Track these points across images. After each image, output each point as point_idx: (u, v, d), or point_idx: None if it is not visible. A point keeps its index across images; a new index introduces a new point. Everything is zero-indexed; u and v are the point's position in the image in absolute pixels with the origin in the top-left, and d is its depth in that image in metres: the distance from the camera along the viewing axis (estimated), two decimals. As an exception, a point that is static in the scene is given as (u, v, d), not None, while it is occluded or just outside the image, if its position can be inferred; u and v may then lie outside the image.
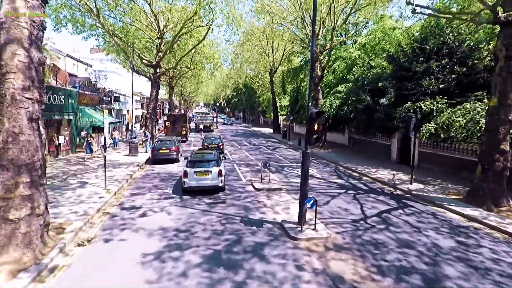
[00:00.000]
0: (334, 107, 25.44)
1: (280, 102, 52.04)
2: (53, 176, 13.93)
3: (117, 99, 29.11)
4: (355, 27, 30.37)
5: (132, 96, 22.06)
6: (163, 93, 78.49)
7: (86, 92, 21.39)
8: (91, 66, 46.93)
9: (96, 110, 23.00)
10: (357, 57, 26.16)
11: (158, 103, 66.65)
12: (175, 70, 29.82)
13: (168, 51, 25.49)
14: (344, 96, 24.75)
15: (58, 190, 11.79)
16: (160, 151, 18.32)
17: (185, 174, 11.75)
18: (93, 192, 11.59)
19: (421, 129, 14.26)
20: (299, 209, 8.75)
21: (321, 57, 25.06)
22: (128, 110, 36.99)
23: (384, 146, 22.04)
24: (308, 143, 8.81)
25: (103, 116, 20.65)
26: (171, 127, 29.32)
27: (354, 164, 19.47)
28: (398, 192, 13.50)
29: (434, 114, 14.26)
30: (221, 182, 11.96)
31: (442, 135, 13.77)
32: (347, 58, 28.26)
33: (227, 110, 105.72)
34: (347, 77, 27.36)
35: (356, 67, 24.45)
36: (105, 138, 12.54)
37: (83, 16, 21.04)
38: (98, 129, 22.28)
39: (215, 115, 77.98)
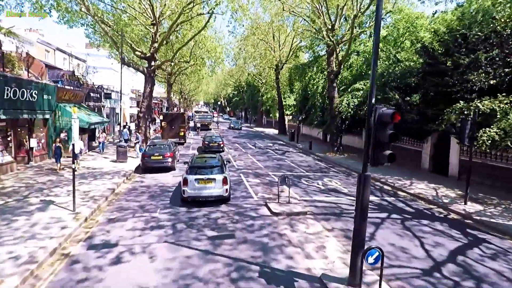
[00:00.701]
0: (352, 106, 22.47)
1: (285, 101, 49.03)
2: (11, 192, 10.91)
3: (108, 96, 26.13)
4: (372, 18, 27.34)
5: (121, 92, 19.06)
6: (162, 91, 75.61)
7: (67, 87, 18.35)
8: (84, 61, 43.82)
9: (80, 108, 19.97)
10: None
11: (156, 102, 63.76)
12: (172, 64, 26.78)
13: (165, 42, 22.49)
14: (365, 94, 21.75)
15: (9, 214, 8.77)
16: (152, 157, 15.31)
17: (185, 182, 10.39)
18: (55, 219, 8.58)
19: (478, 135, 11.33)
20: (351, 259, 5.74)
21: (338, 50, 22.06)
22: (121, 109, 33.96)
23: (412, 152, 19.07)
24: (375, 163, 5.76)
25: (89, 115, 17.62)
26: (168, 127, 26.32)
27: (380, 173, 16.48)
28: (454, 215, 10.50)
29: (497, 116, 11.30)
30: (226, 192, 10.59)
31: (510, 143, 10.79)
32: (364, 52, 25.25)
33: (228, 109, 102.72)
34: (366, 73, 24.36)
35: (378, 61, 21.43)
36: (73, 145, 9.49)
37: (70, 2, 18.07)
38: (85, 130, 19.31)
39: (215, 114, 74.86)
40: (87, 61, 46.50)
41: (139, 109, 22.68)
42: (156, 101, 63.09)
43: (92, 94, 23.29)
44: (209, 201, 10.61)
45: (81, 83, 19.84)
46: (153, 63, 22.05)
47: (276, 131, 46.09)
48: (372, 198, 12.23)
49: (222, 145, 22.93)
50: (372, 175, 15.75)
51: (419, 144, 18.52)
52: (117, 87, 44.77)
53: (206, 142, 23.03)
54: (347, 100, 22.78)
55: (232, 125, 47.57)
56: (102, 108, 26.52)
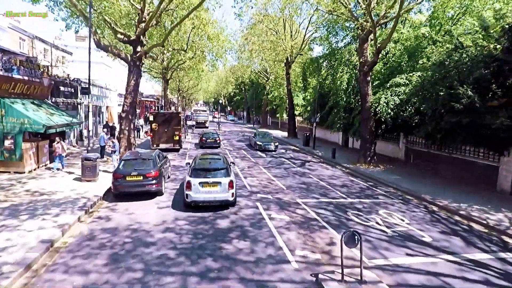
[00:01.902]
0: (391, 106, 17.66)
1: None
2: None
3: (85, 91, 21.20)
4: None
5: (89, 84, 14.16)
6: (160, 88, 70.61)
7: (17, 76, 13.44)
8: (71, 53, 38.96)
9: (41, 106, 15.10)
10: (425, 35, 18.28)
11: (152, 100, 58.78)
12: (165, 53, 21.85)
13: (155, 23, 17.59)
14: (410, 91, 16.94)
15: None
16: (128, 178, 10.43)
17: (189, 185, 9.79)
18: None
19: None
20: None
21: (374, 34, 17.17)
22: (107, 107, 29.07)
23: (482, 168, 14.29)
24: None
25: (51, 115, 12.82)
26: (159, 130, 21.46)
27: (450, 199, 11.73)
28: None
29: None
30: (232, 196, 9.97)
31: None
32: (404, 39, 20.40)
33: (229, 108, 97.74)
34: (407, 64, 19.56)
35: (429, 48, 16.58)
36: None
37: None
38: (43, 136, 14.45)
39: (216, 114, 70.10)
40: (74, 54, 41.78)
41: (122, 107, 17.86)
42: (152, 99, 58.17)
43: (63, 88, 18.41)
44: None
45: (42, 71, 14.91)
46: (139, 48, 17.15)
47: (284, 133, 41.23)
48: (478, 255, 7.39)
49: (218, 141, 24.61)
50: (439, 201, 10.94)
51: (494, 157, 13.74)
52: (110, 82, 40.01)
53: (204, 139, 24.27)
54: (385, 98, 17.96)
55: (259, 143, 24.00)
56: (79, 106, 21.62)
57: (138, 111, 41.25)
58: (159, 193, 11.08)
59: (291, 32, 32.11)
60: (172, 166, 16.51)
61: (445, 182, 14.84)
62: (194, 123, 43.65)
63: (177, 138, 21.77)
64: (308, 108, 41.50)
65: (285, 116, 46.08)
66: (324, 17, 29.57)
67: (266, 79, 49.34)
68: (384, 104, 17.77)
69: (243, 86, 67.13)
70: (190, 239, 7.74)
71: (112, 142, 14.47)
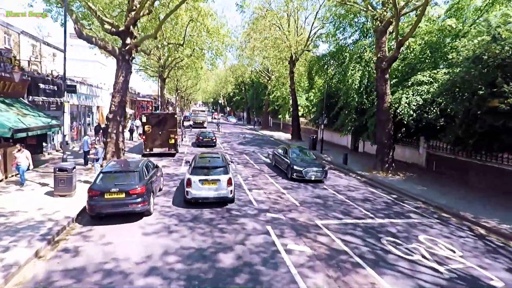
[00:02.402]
0: (413, 107, 15.67)
1: (295, 101, 42.19)
2: None
3: (71, 90, 19.10)
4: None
5: (64, 79, 12.09)
6: (157, 89, 68.35)
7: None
8: (62, 51, 36.84)
9: (12, 106, 13.02)
10: (451, 28, 16.27)
11: (149, 100, 56.59)
12: (160, 47, 19.75)
13: (148, 12, 15.53)
14: (434, 90, 14.94)
15: None
16: (108, 195, 8.35)
17: (189, 182, 9.99)
18: None
19: None
20: None
21: (396, 25, 15.15)
22: (98, 107, 26.96)
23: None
24: None
25: (23, 117, 10.80)
26: (153, 133, 19.37)
27: (496, 219, 9.74)
28: None
29: None
30: (231, 193, 10.19)
31: None
32: (423, 33, 18.39)
33: (228, 109, 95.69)
34: (430, 60, 17.58)
35: (463, 41, 14.52)
36: None
37: None
38: (17, 141, 12.36)
39: (216, 115, 68.28)
40: (67, 52, 39.76)
41: (109, 108, 15.75)
42: (149, 99, 56.02)
43: (43, 86, 16.32)
44: None
45: (13, 65, 12.80)
46: (128, 40, 15.09)
47: (287, 135, 39.21)
48: None
49: (214, 140, 24.95)
50: (485, 222, 8.81)
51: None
52: (106, 81, 37.89)
53: (200, 138, 24.78)
54: (406, 98, 15.95)
55: (298, 168, 14.62)
56: (64, 106, 19.46)
57: (132, 111, 39.18)
58: (145, 213, 9.00)
59: (296, 27, 30.11)
60: (166, 175, 14.45)
61: (480, 195, 12.82)
62: (191, 123, 43.30)
63: (172, 141, 19.68)
64: (312, 109, 39.58)
65: (287, 117, 44.11)
66: (332, 12, 27.64)
67: (268, 78, 47.33)
68: (406, 104, 15.76)
69: (243, 86, 65.12)
70: (183, 287, 5.67)
71: (95, 148, 12.32)
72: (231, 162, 13.38)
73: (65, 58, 11.44)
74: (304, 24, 31.67)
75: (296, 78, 33.85)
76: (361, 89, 21.34)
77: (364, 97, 21.23)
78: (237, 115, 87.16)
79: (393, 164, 17.12)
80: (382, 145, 17.09)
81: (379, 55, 16.58)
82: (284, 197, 11.77)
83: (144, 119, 19.36)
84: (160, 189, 11.80)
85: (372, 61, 21.40)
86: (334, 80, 28.25)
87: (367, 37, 26.01)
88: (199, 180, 9.98)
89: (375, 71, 21.46)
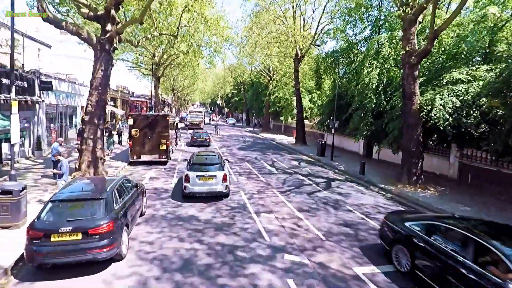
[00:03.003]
0: (449, 110, 13.15)
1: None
2: None
3: (46, 87, 16.40)
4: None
5: (12, 69, 9.43)
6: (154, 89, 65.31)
7: None
8: (49, 46, 34.22)
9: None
10: (494, 17, 13.75)
11: (144, 100, 53.60)
12: (149, 37, 17.00)
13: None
14: (487, 88, 12.41)
15: None
16: (55, 237, 5.68)
17: (187, 178, 10.74)
18: None
19: None
20: None
21: (433, 11, 12.63)
22: (83, 107, 24.18)
23: None
24: None
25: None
26: (141, 138, 16.71)
27: None
28: None
29: None
30: (226, 188, 10.99)
31: None
32: (456, 24, 15.88)
33: (226, 110, 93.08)
34: (466, 55, 15.07)
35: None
36: None
37: None
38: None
39: (214, 116, 65.81)
40: (57, 48, 36.97)
41: (85, 107, 13.06)
42: (144, 99, 53.06)
43: (5, 81, 13.57)
44: None
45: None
46: (109, 26, 12.43)
47: (289, 139, 36.65)
48: None
49: (208, 140, 25.08)
50: None
51: None
52: (85, 78, 35.05)
53: (194, 138, 25.04)
54: (441, 99, 13.42)
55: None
56: (38, 105, 16.79)
57: (123, 112, 36.41)
58: (116, 257, 6.34)
59: (304, 21, 27.60)
60: (152, 191, 11.80)
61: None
62: (187, 123, 42.66)
63: (163, 147, 17.01)
64: (316, 111, 37.05)
65: (290, 119, 41.57)
66: (340, 5, 25.23)
67: (269, 78, 44.79)
68: (441, 107, 13.23)
69: (242, 86, 62.52)
70: None
71: (59, 160, 9.61)
72: (227, 160, 14.65)
73: (12, 41, 8.73)
74: (312, 18, 29.18)
75: (300, 78, 31.28)
76: (379, 89, 18.81)
77: (382, 97, 18.70)
78: (235, 116, 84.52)
79: (422, 176, 14.58)
80: (409, 154, 14.54)
81: (407, 48, 14.03)
82: (302, 224, 9.14)
83: (130, 121, 16.68)
84: (142, 214, 9.15)
85: (391, 57, 18.91)
86: (344, 80, 25.77)
87: (379, 33, 23.64)
88: (197, 176, 10.66)
89: (395, 68, 19.11)
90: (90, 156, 12.53)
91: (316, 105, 39.31)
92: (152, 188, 12.33)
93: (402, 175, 14.78)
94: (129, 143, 16.78)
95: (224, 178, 10.86)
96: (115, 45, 12.88)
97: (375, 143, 20.73)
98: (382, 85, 18.80)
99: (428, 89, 14.91)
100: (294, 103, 39.69)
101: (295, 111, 40.24)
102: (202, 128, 40.03)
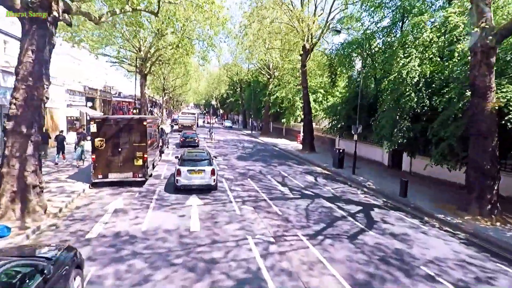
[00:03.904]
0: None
1: (301, 103, 35.56)
2: None
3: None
4: None
5: None
6: (146, 89, 60.46)
7: None
8: (18, 38, 29.41)
9: None
10: None
11: (131, 101, 48.55)
12: (117, 12, 12.45)
13: None
14: None
15: None
16: None
17: (179, 172, 11.77)
18: None
19: None
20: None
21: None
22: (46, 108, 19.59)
23: None
24: None
25: None
26: (108, 150, 12.29)
27: None
28: None
29: None
30: (214, 181, 12.07)
31: None
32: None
33: (221, 111, 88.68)
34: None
35: None
36: None
37: None
38: None
39: (208, 118, 61.66)
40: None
41: (9, 108, 8.74)
42: (131, 100, 48.23)
43: None
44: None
45: None
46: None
47: (292, 143, 32.49)
48: None
49: (197, 141, 25.40)
50: None
51: None
52: (81, 79, 30.43)
53: (183, 138, 25.40)
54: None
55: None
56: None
57: (99, 115, 31.71)
58: None
59: (315, 4, 23.44)
60: (111, 239, 7.42)
61: None
62: (178, 126, 39.82)
63: (139, 162, 12.59)
64: (321, 112, 32.95)
65: (292, 121, 37.37)
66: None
67: (269, 76, 40.62)
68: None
69: (238, 85, 58.23)
70: None
71: None
72: (215, 156, 15.42)
73: None
74: (324, 2, 25.03)
75: (311, 75, 27.11)
76: (420, 85, 14.66)
77: (424, 95, 14.54)
78: (230, 118, 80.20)
79: (498, 205, 10.44)
80: (480, 172, 10.39)
81: (481, 25, 9.89)
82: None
83: (93, 127, 12.23)
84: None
85: (433, 45, 14.80)
86: (361, 76, 21.71)
87: (403, 21, 19.78)
88: (187, 170, 11.80)
89: (437, 59, 14.99)
90: (16, 184, 8.11)
91: (322, 106, 35.24)
92: (112, 234, 7.96)
93: (470, 202, 10.63)
94: (91, 157, 12.31)
95: (212, 173, 11.99)
96: (55, 13, 8.48)
97: (410, 153, 16.59)
98: (423, 79, 14.66)
99: (504, 82, 10.80)
100: (298, 103, 35.64)
101: (298, 112, 36.24)
102: (195, 131, 35.88)
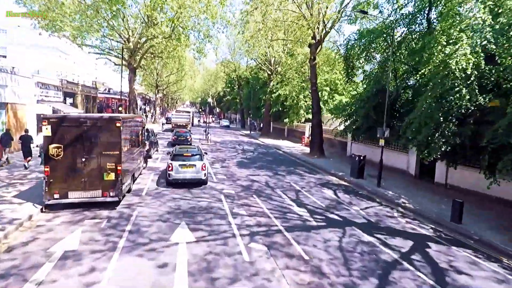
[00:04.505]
0: None
1: (305, 101, 32.58)
2: None
3: None
4: None
5: None
6: (143, 86, 57.01)
7: None
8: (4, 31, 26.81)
9: None
10: None
11: (123, 98, 44.37)
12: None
13: None
14: None
15: None
16: None
17: (170, 167, 12.09)
18: None
19: None
20: None
21: None
22: (8, 104, 16.24)
23: None
24: None
25: None
26: (67, 159, 9.10)
27: None
28: None
29: None
30: (204, 175, 12.43)
31: None
32: None
33: (218, 110, 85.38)
34: None
35: None
36: None
37: None
38: None
39: (204, 117, 58.75)
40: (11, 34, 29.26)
41: None
42: (123, 97, 44.64)
43: None
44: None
45: None
46: None
47: (295, 145, 29.49)
48: None
49: (190, 139, 23.95)
50: None
51: None
52: (68, 74, 27.22)
53: (175, 137, 23.99)
54: None
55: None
56: None
57: (79, 112, 28.24)
58: None
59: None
60: None
61: None
62: (170, 126, 37.10)
63: (111, 176, 9.37)
64: (328, 112, 29.96)
65: (295, 121, 34.28)
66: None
67: (270, 72, 37.48)
68: None
69: (236, 83, 55.00)
70: None
71: None
72: (205, 153, 15.07)
73: None
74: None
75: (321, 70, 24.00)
76: (472, 79, 11.65)
77: (477, 91, 11.54)
78: (227, 117, 76.97)
79: None
80: None
81: None
82: None
83: (46, 130, 8.99)
84: None
85: (487, 28, 11.78)
86: (379, 70, 18.74)
87: (430, 8, 16.94)
88: (179, 165, 12.17)
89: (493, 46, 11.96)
90: None
91: (327, 105, 32.24)
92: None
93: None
94: (45, 170, 9.07)
95: (203, 167, 12.41)
96: None
97: (450, 162, 13.57)
98: (475, 72, 11.64)
99: None
100: (302, 102, 32.59)
101: (302, 111, 33.21)
102: (189, 131, 32.79)
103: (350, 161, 17.18)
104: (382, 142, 14.54)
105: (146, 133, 17.90)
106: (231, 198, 11.41)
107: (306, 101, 32.84)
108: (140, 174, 14.06)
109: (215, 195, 11.60)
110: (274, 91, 35.15)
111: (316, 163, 20.20)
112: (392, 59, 18.01)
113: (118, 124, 9.38)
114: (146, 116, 55.37)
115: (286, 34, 26.27)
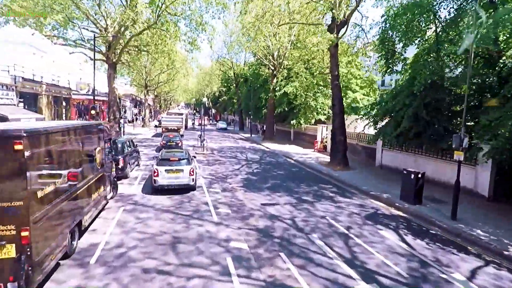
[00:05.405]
0: None
1: (315, 102, 28.01)
2: None
3: None
4: None
5: None
6: (140, 91, 51.74)
7: None
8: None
9: None
10: None
11: (103, 99, 38.55)
12: None
13: None
14: None
15: None
16: None
17: (156, 172, 11.37)
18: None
19: None
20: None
21: None
22: None
23: None
24: None
25: None
26: None
27: None
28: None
29: None
30: (193, 181, 11.79)
31: None
32: None
33: (213, 111, 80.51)
34: None
35: None
36: None
37: None
38: None
39: (199, 120, 53.97)
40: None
41: None
42: (104, 98, 39.50)
43: None
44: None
45: None
46: None
47: (306, 151, 24.80)
48: None
49: (180, 144, 21.98)
50: None
51: None
52: (44, 73, 22.38)
53: (163, 142, 22.06)
54: None
55: None
56: None
57: (42, 118, 23.05)
58: None
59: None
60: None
61: None
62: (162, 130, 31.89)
63: (6, 252, 4.64)
64: (349, 111, 25.41)
65: (303, 124, 29.59)
66: None
67: (273, 68, 32.79)
68: None
69: (234, 81, 50.24)
70: None
71: None
72: (194, 156, 14.32)
73: None
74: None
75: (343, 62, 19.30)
76: None
77: None
78: (224, 118, 72.16)
79: None
80: None
81: None
82: None
83: None
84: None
85: None
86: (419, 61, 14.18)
87: None
88: (165, 170, 11.38)
89: None
90: None
91: (348, 103, 27.67)
92: None
93: None
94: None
95: (191, 172, 11.58)
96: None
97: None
98: None
99: None
100: (310, 99, 27.98)
101: (311, 112, 28.66)
102: (182, 135, 28.28)
103: (383, 174, 12.68)
104: (459, 155, 9.91)
105: (120, 146, 13.20)
106: (244, 261, 6.70)
107: (316, 99, 28.29)
108: (103, 210, 9.30)
109: (216, 257, 6.89)
110: (279, 88, 30.52)
111: (344, 178, 15.53)
112: (438, 42, 13.45)
113: (18, 147, 4.60)
114: (136, 119, 50.40)
115: (296, 18, 21.67)
